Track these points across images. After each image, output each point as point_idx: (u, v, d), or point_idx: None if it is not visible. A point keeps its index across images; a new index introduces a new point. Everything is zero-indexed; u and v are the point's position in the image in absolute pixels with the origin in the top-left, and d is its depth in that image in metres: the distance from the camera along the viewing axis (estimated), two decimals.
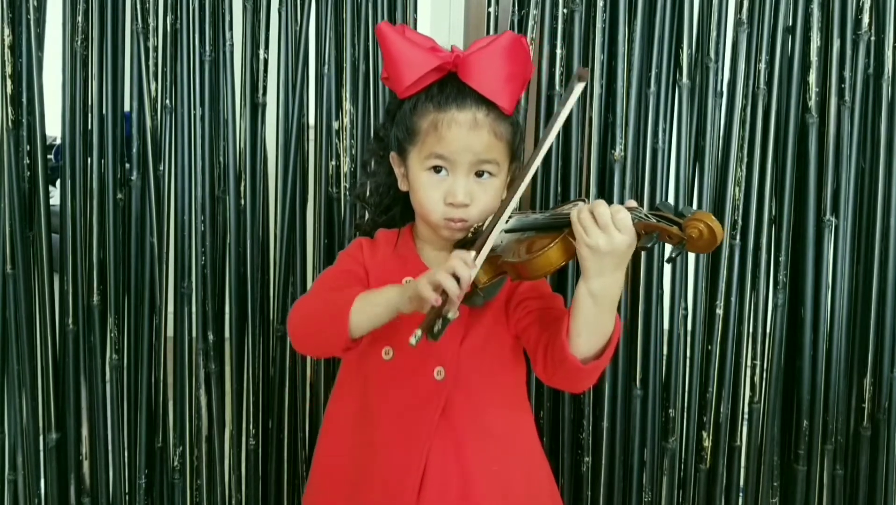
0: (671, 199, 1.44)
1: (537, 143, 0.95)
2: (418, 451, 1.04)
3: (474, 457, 1.06)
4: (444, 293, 0.89)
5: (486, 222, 1.02)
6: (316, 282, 1.15)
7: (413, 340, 0.90)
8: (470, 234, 1.05)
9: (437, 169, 1.04)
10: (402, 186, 1.11)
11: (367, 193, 1.17)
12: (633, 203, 0.92)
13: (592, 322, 0.93)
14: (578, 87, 0.93)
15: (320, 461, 1.16)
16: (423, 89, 1.05)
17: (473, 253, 0.93)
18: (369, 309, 0.98)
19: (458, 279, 0.89)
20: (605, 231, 0.88)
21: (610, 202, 1.33)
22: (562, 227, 0.93)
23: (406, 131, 1.06)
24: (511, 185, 1.03)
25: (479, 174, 1.05)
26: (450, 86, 1.04)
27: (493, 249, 0.98)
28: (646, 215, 0.90)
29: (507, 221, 0.98)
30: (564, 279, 1.43)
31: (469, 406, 1.06)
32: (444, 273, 0.89)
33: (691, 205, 1.45)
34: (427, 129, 1.04)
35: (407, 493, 1.04)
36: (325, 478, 1.14)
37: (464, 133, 1.02)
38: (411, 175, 1.07)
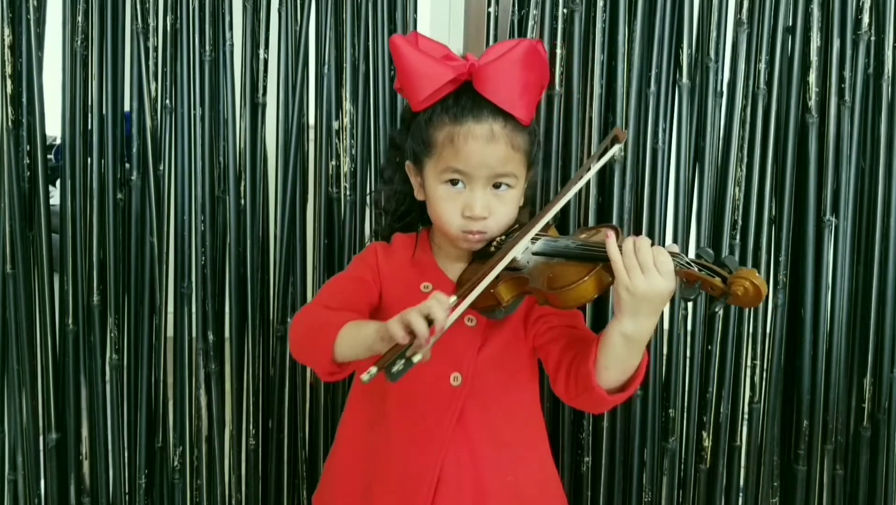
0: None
1: (566, 185, 0.94)
2: (433, 458, 1.03)
3: (489, 466, 1.04)
4: (412, 333, 0.83)
5: (505, 240, 1.01)
6: (324, 286, 1.13)
7: (365, 377, 0.83)
8: (493, 248, 1.04)
9: (453, 182, 1.02)
10: (419, 196, 1.10)
11: (384, 201, 1.15)
12: (675, 248, 0.89)
13: (621, 360, 0.92)
14: (614, 149, 0.96)
15: (333, 466, 1.15)
16: (439, 100, 1.03)
17: (454, 298, 0.88)
18: (351, 341, 0.94)
19: (431, 321, 0.83)
20: (647, 274, 0.85)
21: (610, 203, 1.32)
22: (596, 259, 0.91)
23: (422, 143, 1.04)
24: (534, 216, 1.01)
25: (497, 185, 1.03)
26: (465, 97, 1.02)
27: (519, 271, 0.97)
28: (688, 263, 0.87)
29: (523, 250, 0.97)
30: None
31: (484, 416, 1.05)
32: (418, 314, 0.83)
33: (691, 206, 1.45)
34: (443, 142, 1.02)
35: (421, 500, 1.02)
36: (338, 483, 1.13)
37: (480, 146, 1.00)
38: (428, 187, 1.06)
